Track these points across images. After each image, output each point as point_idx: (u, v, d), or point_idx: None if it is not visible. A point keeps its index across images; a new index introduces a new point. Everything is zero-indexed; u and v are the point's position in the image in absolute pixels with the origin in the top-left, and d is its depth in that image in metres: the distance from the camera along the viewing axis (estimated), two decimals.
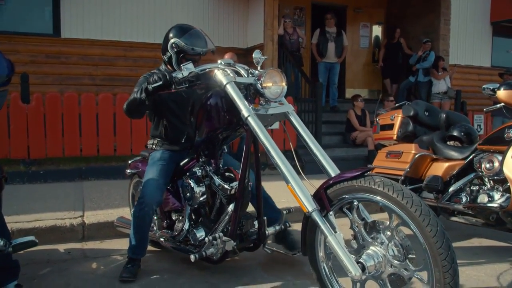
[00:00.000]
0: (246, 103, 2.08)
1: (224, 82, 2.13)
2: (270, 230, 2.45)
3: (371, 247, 1.75)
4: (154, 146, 2.72)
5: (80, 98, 5.63)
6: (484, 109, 3.21)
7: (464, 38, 10.10)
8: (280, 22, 7.64)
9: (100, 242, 3.35)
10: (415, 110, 3.75)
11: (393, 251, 1.73)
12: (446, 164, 3.31)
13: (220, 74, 2.18)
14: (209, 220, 2.43)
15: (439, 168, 3.35)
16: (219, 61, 2.30)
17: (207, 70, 2.28)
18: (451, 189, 3.18)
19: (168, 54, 2.62)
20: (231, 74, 2.18)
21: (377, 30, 9.96)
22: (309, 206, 1.80)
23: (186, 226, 2.49)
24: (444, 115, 3.62)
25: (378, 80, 9.80)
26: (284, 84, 2.17)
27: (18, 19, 7.01)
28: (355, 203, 1.81)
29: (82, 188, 4.84)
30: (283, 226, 2.53)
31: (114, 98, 5.78)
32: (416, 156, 3.44)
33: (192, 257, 2.20)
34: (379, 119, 4.12)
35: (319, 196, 1.85)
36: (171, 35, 2.60)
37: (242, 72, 2.28)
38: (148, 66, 7.56)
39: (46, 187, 4.95)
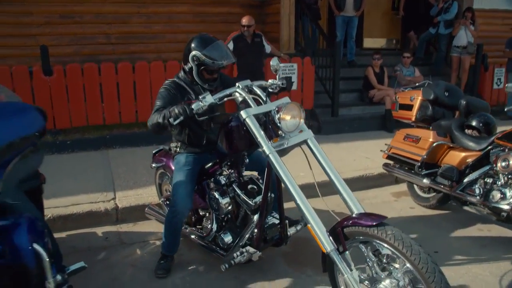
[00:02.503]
0: (266, 139, 2.16)
1: (244, 116, 2.20)
2: (291, 231, 2.65)
3: (383, 282, 1.92)
4: (178, 149, 2.86)
5: (100, 67, 5.68)
6: (505, 109, 3.22)
7: None
8: None
9: (133, 224, 3.63)
10: (435, 93, 3.76)
11: (399, 280, 1.90)
12: (463, 154, 3.42)
13: (241, 104, 2.27)
14: (235, 226, 2.64)
15: (456, 157, 3.46)
16: (237, 85, 2.36)
17: (226, 99, 2.35)
18: (465, 179, 3.31)
19: (189, 65, 2.68)
20: (251, 103, 2.25)
21: None
22: (328, 246, 1.97)
23: (214, 228, 2.70)
24: (464, 102, 3.64)
25: (397, 29, 9.52)
26: (301, 119, 2.23)
27: None
28: (370, 241, 1.96)
29: (108, 159, 5.08)
30: (302, 225, 2.71)
31: (133, 67, 5.82)
32: (434, 144, 3.54)
33: (222, 267, 2.43)
34: (398, 97, 4.15)
35: (336, 233, 2.00)
36: (193, 45, 2.64)
37: (259, 92, 2.36)
38: (162, 22, 7.54)
39: (74, 157, 5.20)
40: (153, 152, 3.39)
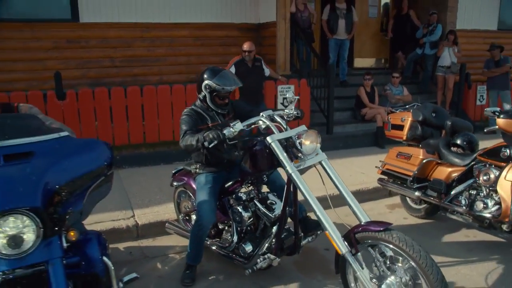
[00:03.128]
0: (289, 160, 2.56)
1: (270, 141, 2.60)
2: (304, 241, 3.00)
3: (389, 278, 2.30)
4: (198, 170, 3.21)
5: (110, 92, 6.03)
6: (485, 130, 3.65)
7: (471, 1, 10.16)
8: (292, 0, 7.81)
9: (153, 239, 3.95)
10: (423, 115, 4.19)
11: (403, 278, 2.28)
12: (449, 169, 3.83)
13: (266, 129, 2.65)
14: (255, 237, 2.99)
15: (443, 172, 3.87)
16: (261, 114, 2.76)
17: (253, 126, 2.74)
18: (452, 192, 3.72)
19: (203, 93, 3.08)
20: (274, 130, 2.64)
21: (385, 1, 10.05)
22: (343, 249, 2.35)
23: (235, 239, 3.05)
24: (449, 123, 4.07)
25: (386, 49, 10.06)
26: (318, 143, 2.63)
27: (38, 6, 7.21)
28: (378, 245, 2.34)
29: (120, 179, 5.36)
30: (314, 236, 3.07)
31: (141, 91, 6.19)
32: (424, 161, 3.95)
33: (246, 272, 2.79)
34: (390, 118, 4.57)
35: (349, 238, 2.38)
36: (204, 76, 3.05)
37: (281, 121, 2.75)
38: (164, 45, 7.93)
39: None
40: (173, 171, 3.73)
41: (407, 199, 4.46)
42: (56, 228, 1.85)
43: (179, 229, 3.58)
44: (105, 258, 2.08)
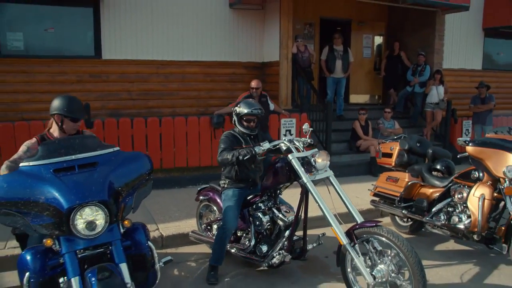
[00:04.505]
0: (305, 173, 3.25)
1: (291, 157, 3.32)
2: (309, 246, 3.64)
3: (379, 266, 2.95)
4: (226, 185, 3.88)
5: (133, 122, 6.74)
6: (458, 156, 4.36)
7: (457, 43, 11.10)
8: (293, 41, 8.67)
9: (176, 249, 4.54)
10: (409, 144, 4.91)
11: (392, 268, 2.92)
12: (431, 190, 4.50)
13: (286, 150, 3.36)
14: (269, 239, 3.63)
15: (426, 193, 4.54)
16: (284, 138, 3.47)
17: (277, 146, 3.44)
18: (433, 209, 4.38)
19: (234, 118, 3.86)
20: (293, 150, 3.34)
21: (378, 41, 11.00)
22: (344, 240, 3.02)
23: (253, 242, 3.69)
24: (431, 151, 4.79)
25: (379, 86, 10.91)
26: (329, 161, 3.33)
27: (65, 44, 8.02)
28: (371, 239, 3.00)
29: None
30: (318, 243, 3.70)
31: (160, 121, 6.91)
32: (409, 183, 4.63)
33: (264, 265, 3.46)
34: (381, 147, 5.27)
35: (349, 233, 3.05)
36: (236, 106, 3.80)
37: (298, 145, 3.45)
38: (177, 81, 8.71)
39: None
40: (199, 189, 4.39)
41: (396, 217, 5.10)
42: (115, 218, 2.48)
43: (201, 237, 4.21)
44: (149, 243, 2.73)
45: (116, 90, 8.30)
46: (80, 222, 2.21)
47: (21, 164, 2.30)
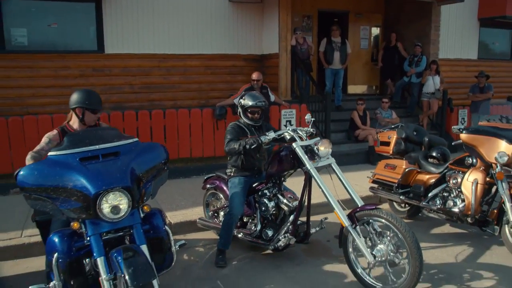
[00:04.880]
0: (308, 160, 3.44)
1: (294, 145, 3.52)
2: (312, 230, 3.84)
3: (379, 246, 3.16)
4: (232, 173, 4.07)
5: (138, 114, 6.91)
6: (452, 143, 4.55)
7: (453, 33, 11.29)
8: (292, 34, 8.82)
9: (184, 235, 4.74)
10: (406, 133, 5.10)
11: (391, 248, 3.12)
12: (427, 176, 4.71)
13: (290, 139, 3.54)
14: (275, 224, 3.83)
15: (422, 179, 4.75)
16: (288, 128, 3.65)
17: (282, 135, 3.62)
18: (429, 194, 4.58)
19: (239, 110, 4.03)
20: (297, 139, 3.52)
21: (375, 33, 11.15)
22: (346, 222, 3.23)
23: (258, 227, 3.89)
24: (427, 139, 4.99)
25: (376, 77, 11.09)
26: (331, 148, 3.52)
27: (68, 39, 8.15)
28: (371, 221, 3.20)
29: None
30: (321, 227, 3.90)
31: (164, 114, 7.08)
32: (406, 170, 4.83)
33: (270, 247, 3.68)
34: (379, 136, 5.47)
35: (351, 216, 3.25)
36: (241, 98, 3.97)
37: (301, 134, 3.63)
38: (178, 74, 8.87)
39: None
40: (205, 177, 4.59)
41: (394, 203, 5.31)
42: (137, 204, 2.66)
43: (208, 223, 4.42)
44: (166, 227, 2.93)
45: (119, 84, 8.45)
46: (105, 207, 2.40)
47: (49, 153, 2.47)
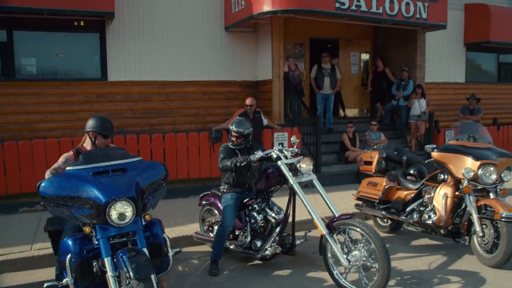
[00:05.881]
0: (292, 176, 3.86)
1: (279, 163, 3.94)
2: (297, 242, 4.23)
3: (354, 252, 3.55)
4: (225, 190, 4.48)
5: (138, 138, 7.36)
6: (425, 161, 4.98)
7: (440, 58, 11.85)
8: (285, 61, 9.36)
9: (180, 249, 5.09)
10: (387, 152, 5.54)
11: (363, 253, 3.51)
12: (405, 192, 5.11)
13: (276, 158, 3.97)
14: (263, 235, 4.22)
15: (401, 195, 5.15)
16: (274, 148, 4.09)
17: (269, 154, 4.06)
18: (407, 209, 4.97)
19: (229, 135, 4.44)
20: (282, 158, 3.95)
21: (365, 58, 11.74)
22: (324, 231, 3.63)
23: (248, 239, 4.28)
24: (405, 158, 5.41)
25: (367, 101, 11.60)
26: (312, 166, 3.95)
27: (74, 67, 8.71)
28: (347, 230, 3.60)
29: None
30: (305, 239, 4.29)
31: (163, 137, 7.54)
32: (386, 187, 5.24)
33: (258, 256, 4.05)
34: (363, 156, 5.90)
35: (329, 225, 3.65)
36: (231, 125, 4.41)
37: (287, 153, 4.06)
38: (177, 100, 9.35)
39: None
40: (201, 195, 4.99)
41: (377, 218, 5.69)
42: (140, 212, 3.06)
43: (203, 237, 4.80)
44: (164, 235, 3.32)
45: (121, 110, 8.90)
46: (114, 213, 2.81)
47: (67, 168, 2.91)
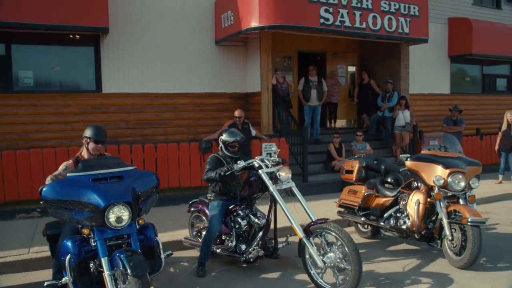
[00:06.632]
0: (272, 184, 4.17)
1: (260, 172, 4.25)
2: (280, 246, 4.53)
3: (329, 254, 3.86)
4: (212, 197, 4.78)
5: (132, 148, 7.65)
6: (400, 170, 5.32)
7: (426, 70, 12.29)
8: (273, 74, 9.72)
9: (172, 252, 5.37)
10: (366, 162, 5.87)
11: (338, 255, 3.82)
12: (383, 199, 5.44)
13: (258, 167, 4.28)
14: (247, 240, 4.52)
15: (379, 202, 5.47)
16: (256, 157, 4.40)
17: (251, 164, 4.36)
18: (385, 215, 5.30)
19: (220, 145, 4.75)
20: (263, 167, 4.26)
21: (351, 71, 12.16)
22: (302, 234, 3.93)
23: (234, 243, 4.57)
24: (383, 167, 5.74)
25: (354, 112, 11.98)
26: (290, 174, 4.26)
27: (70, 79, 9.00)
28: (323, 233, 3.91)
29: None
30: (287, 243, 4.60)
31: (156, 147, 7.83)
32: (365, 194, 5.57)
33: (242, 259, 4.34)
34: (345, 165, 6.23)
35: (306, 229, 3.95)
36: (222, 135, 4.72)
37: (268, 163, 4.38)
38: (169, 111, 9.66)
39: None
40: (190, 202, 5.28)
41: (358, 225, 6.01)
42: (135, 216, 3.35)
43: (192, 242, 5.09)
44: (157, 238, 3.61)
45: (114, 120, 9.18)
46: (112, 216, 3.10)
47: (68, 174, 3.22)
